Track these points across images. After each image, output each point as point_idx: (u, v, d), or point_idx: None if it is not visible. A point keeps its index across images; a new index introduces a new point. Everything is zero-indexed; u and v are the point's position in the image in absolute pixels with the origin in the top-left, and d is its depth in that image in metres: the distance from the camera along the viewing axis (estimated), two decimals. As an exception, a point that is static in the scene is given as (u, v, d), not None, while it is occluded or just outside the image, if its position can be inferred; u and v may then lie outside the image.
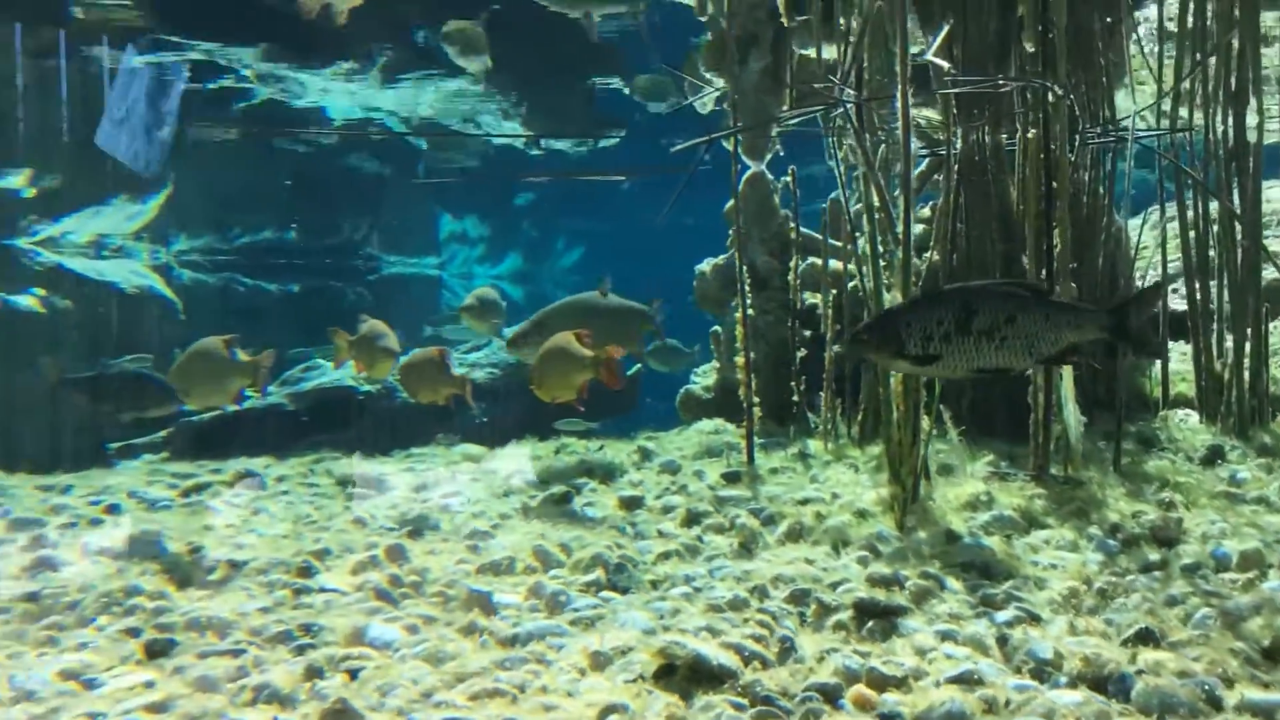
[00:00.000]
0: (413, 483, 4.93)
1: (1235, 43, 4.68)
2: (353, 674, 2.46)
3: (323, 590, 3.11)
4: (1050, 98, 3.97)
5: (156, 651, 2.60)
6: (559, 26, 9.33)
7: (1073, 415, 3.98)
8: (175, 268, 15.38)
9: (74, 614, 2.86)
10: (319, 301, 15.98)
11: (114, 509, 4.40)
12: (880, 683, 2.34)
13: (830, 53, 5.57)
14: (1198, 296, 4.94)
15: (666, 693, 2.30)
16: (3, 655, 2.54)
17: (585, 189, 20.10)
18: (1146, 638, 2.50)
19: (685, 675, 2.36)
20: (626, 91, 11.00)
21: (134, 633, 2.73)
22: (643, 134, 12.01)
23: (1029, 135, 4.11)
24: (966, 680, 2.31)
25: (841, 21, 5.19)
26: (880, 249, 3.99)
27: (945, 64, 4.15)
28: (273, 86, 11.21)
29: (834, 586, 2.98)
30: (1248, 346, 4.74)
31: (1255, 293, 4.78)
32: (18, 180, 12.64)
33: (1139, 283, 5.46)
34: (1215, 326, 4.97)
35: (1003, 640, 2.58)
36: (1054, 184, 3.98)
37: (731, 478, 4.48)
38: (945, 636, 2.63)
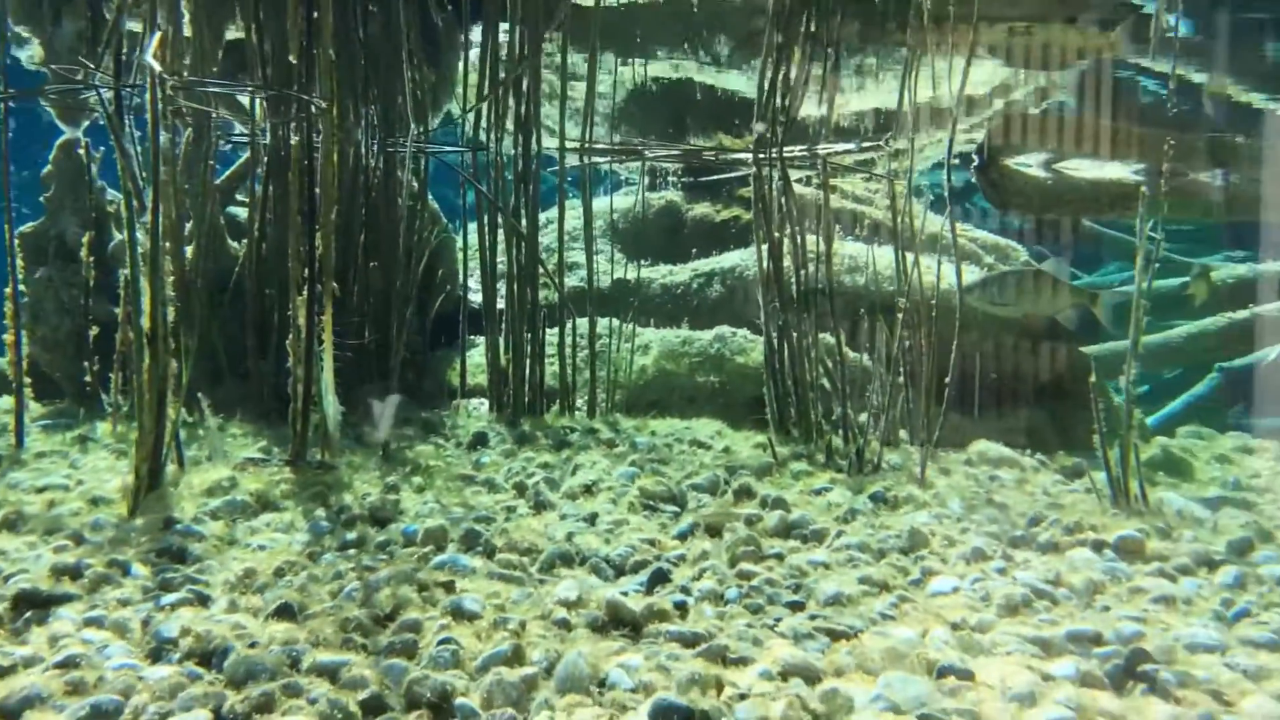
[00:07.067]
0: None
1: (525, 79, 4.99)
2: None
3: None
4: (314, 109, 4.09)
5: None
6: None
7: (331, 405, 4.00)
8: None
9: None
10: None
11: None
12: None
13: None
14: (489, 297, 5.23)
15: None
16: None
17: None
18: (284, 612, 2.52)
19: None
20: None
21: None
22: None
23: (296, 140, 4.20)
24: (68, 665, 2.24)
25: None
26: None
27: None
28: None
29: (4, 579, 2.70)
30: (526, 343, 5.09)
31: (532, 297, 5.06)
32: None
33: (466, 280, 5.80)
34: (503, 324, 5.15)
35: (146, 623, 2.47)
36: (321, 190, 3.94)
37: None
38: (91, 623, 2.49)
